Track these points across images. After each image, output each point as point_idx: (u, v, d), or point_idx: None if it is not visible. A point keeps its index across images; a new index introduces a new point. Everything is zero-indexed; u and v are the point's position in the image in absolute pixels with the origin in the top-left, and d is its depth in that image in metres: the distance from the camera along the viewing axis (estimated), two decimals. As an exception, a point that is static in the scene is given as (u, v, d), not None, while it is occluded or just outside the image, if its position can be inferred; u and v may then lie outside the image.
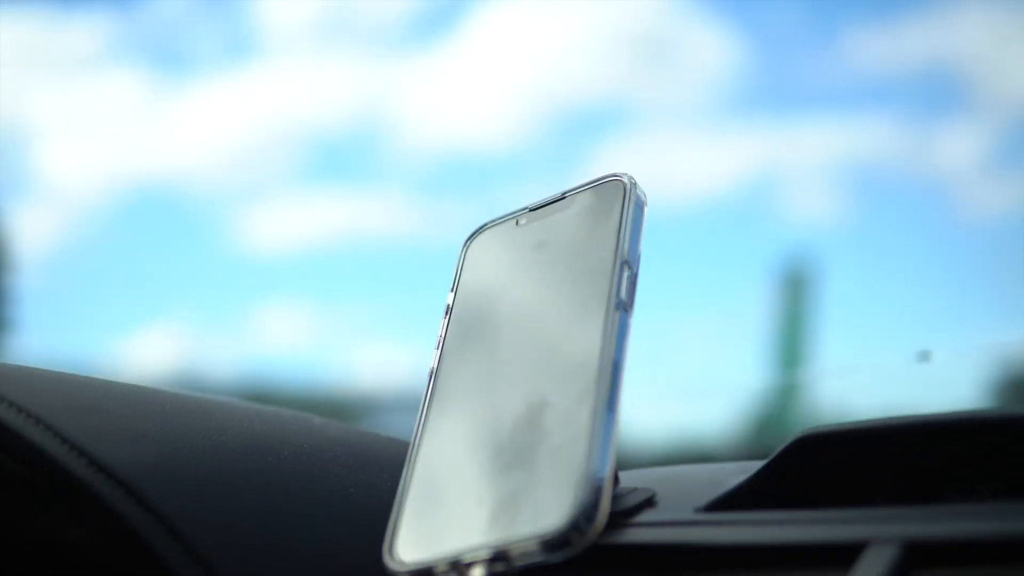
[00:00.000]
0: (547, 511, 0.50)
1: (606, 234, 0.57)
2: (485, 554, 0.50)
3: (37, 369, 0.66)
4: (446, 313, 0.61)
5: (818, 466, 0.55)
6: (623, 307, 0.55)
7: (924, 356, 0.85)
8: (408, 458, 0.57)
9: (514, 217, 0.63)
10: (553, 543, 0.49)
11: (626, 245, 0.56)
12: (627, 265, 0.56)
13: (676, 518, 0.52)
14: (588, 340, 0.54)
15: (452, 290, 0.62)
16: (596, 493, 0.50)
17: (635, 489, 0.56)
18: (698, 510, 0.53)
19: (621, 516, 0.53)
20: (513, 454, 0.53)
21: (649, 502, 0.55)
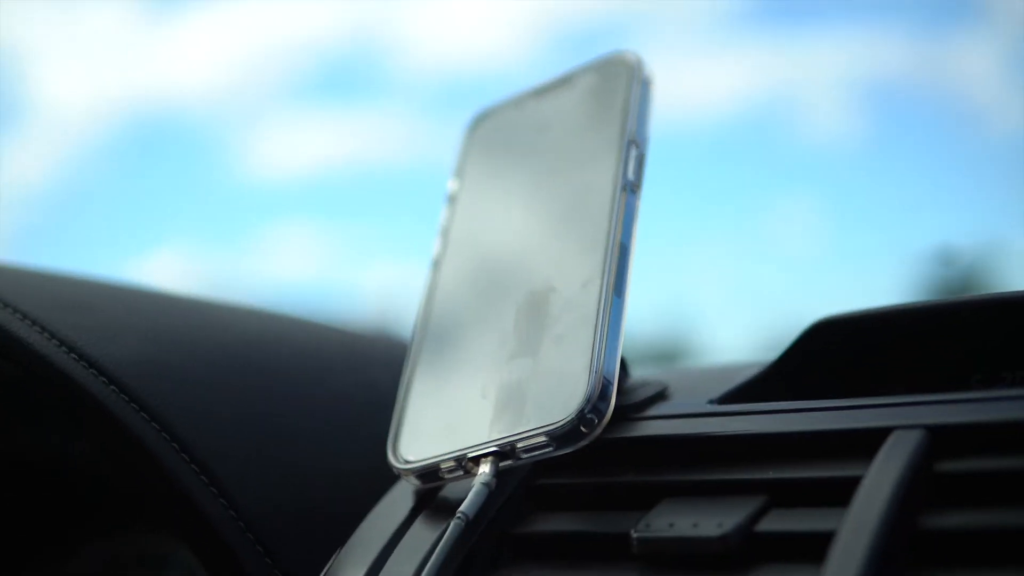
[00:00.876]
0: (554, 403, 0.48)
1: (612, 113, 0.55)
2: (491, 449, 0.49)
3: (25, 268, 0.64)
4: (448, 200, 0.59)
5: (836, 355, 0.54)
6: (631, 188, 0.53)
7: (949, 258, 0.83)
8: (409, 353, 0.55)
9: (516, 100, 0.60)
10: (561, 436, 0.47)
11: (633, 124, 0.54)
12: (635, 144, 0.54)
13: (688, 410, 0.50)
14: (595, 223, 0.52)
15: (454, 176, 0.60)
16: (604, 383, 0.48)
17: (645, 383, 0.54)
18: (711, 402, 0.51)
19: (631, 409, 0.51)
20: (518, 344, 0.51)
21: (661, 395, 0.53)
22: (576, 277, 0.51)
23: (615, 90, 0.55)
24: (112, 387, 0.53)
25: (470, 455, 0.49)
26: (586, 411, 0.47)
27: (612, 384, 0.48)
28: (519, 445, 0.48)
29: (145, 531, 0.74)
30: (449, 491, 0.52)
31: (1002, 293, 0.51)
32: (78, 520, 0.75)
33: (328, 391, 0.61)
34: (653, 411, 0.51)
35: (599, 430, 0.48)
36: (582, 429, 0.47)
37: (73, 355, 0.54)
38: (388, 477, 0.54)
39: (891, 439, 0.43)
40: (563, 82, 0.58)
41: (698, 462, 0.48)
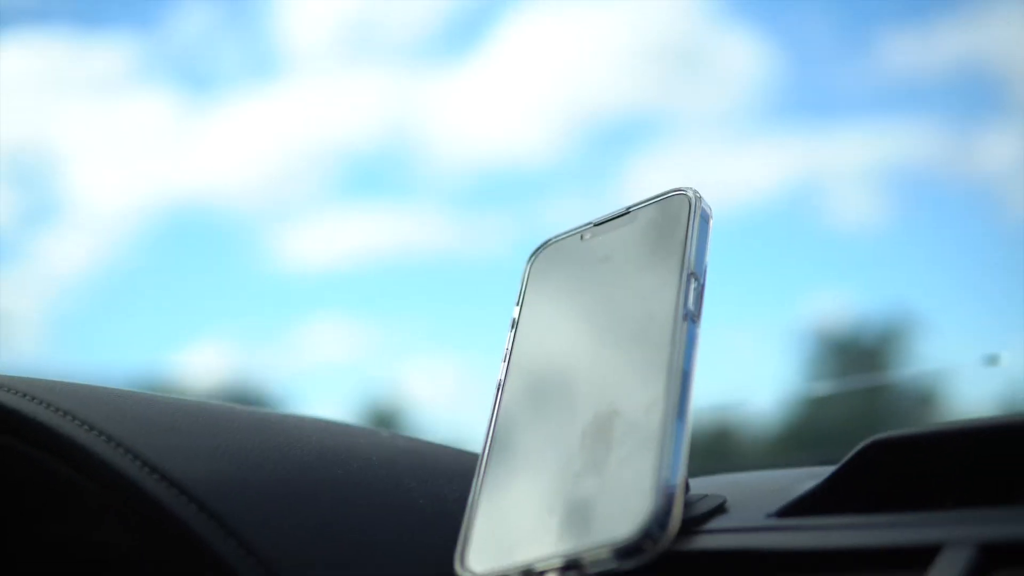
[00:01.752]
0: (619, 519, 0.50)
1: (672, 247, 0.57)
2: (558, 563, 0.50)
3: (106, 388, 0.67)
4: (512, 326, 0.62)
5: (889, 471, 0.55)
6: (691, 317, 0.55)
7: (993, 360, 0.85)
8: (478, 469, 0.57)
9: (579, 232, 0.63)
10: (626, 551, 0.49)
11: (692, 256, 0.57)
12: (694, 276, 0.56)
13: (748, 524, 0.52)
14: (657, 350, 0.54)
15: (518, 303, 0.63)
16: (669, 500, 0.50)
17: (705, 496, 0.56)
18: (769, 516, 0.53)
19: (692, 523, 0.53)
20: (583, 463, 0.53)
21: (720, 508, 0.55)
22: (640, 401, 0.53)
23: (675, 224, 0.58)
24: (192, 505, 0.56)
25: (537, 568, 0.51)
26: (651, 527, 0.49)
27: (676, 501, 0.50)
28: (585, 559, 0.50)
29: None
30: (516, 603, 0.53)
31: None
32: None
33: (398, 503, 0.63)
34: (714, 524, 0.53)
35: (664, 546, 0.49)
36: (647, 545, 0.49)
37: (156, 475, 0.56)
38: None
39: (944, 554, 0.45)
40: (623, 215, 0.61)
41: (758, 575, 0.49)
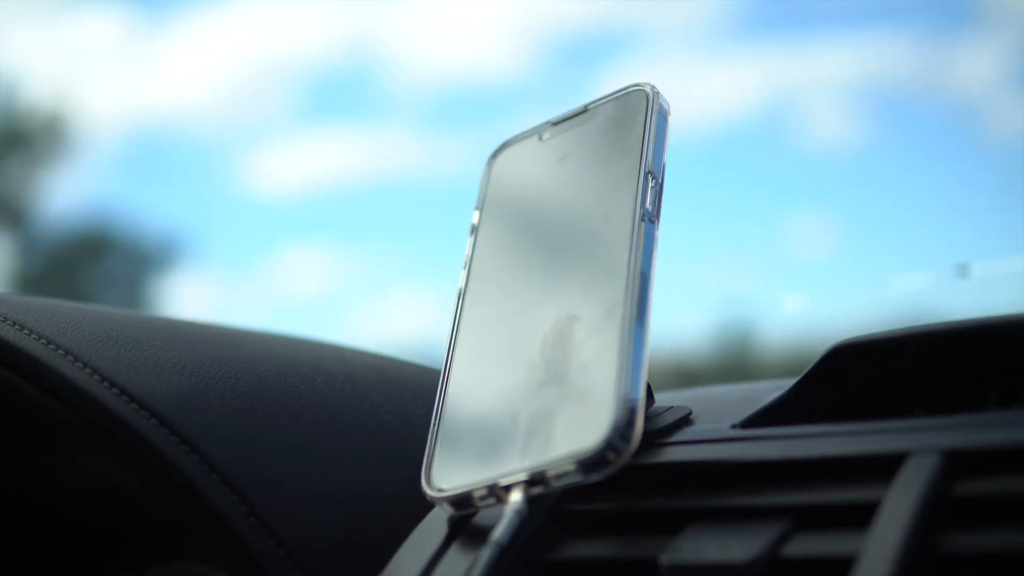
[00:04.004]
0: (582, 430, 0.49)
1: (630, 144, 0.56)
2: (523, 477, 0.50)
3: (62, 302, 0.66)
4: (472, 232, 0.61)
5: (855, 377, 0.55)
6: (649, 217, 0.54)
7: (963, 270, 0.84)
8: (440, 383, 0.56)
9: (536, 132, 0.62)
10: (590, 463, 0.49)
11: (650, 155, 0.56)
12: (652, 175, 0.55)
13: (712, 435, 0.52)
14: (615, 252, 0.53)
15: (477, 208, 0.62)
16: (630, 411, 0.49)
17: (670, 407, 0.55)
18: (735, 426, 0.53)
19: (657, 435, 0.53)
20: (544, 372, 0.53)
21: (685, 420, 0.54)
22: (599, 306, 0.52)
23: (633, 122, 0.57)
24: (153, 420, 0.55)
25: (502, 483, 0.51)
26: (614, 439, 0.48)
27: (638, 412, 0.49)
28: (549, 472, 0.50)
29: (184, 560, 0.75)
30: (482, 517, 0.53)
31: (1019, 315, 0.52)
32: (116, 550, 0.77)
33: (363, 418, 0.63)
34: (678, 436, 0.53)
35: (626, 457, 0.49)
36: (610, 457, 0.48)
37: (114, 389, 0.56)
38: (422, 503, 0.55)
39: (909, 462, 0.44)
40: (582, 113, 0.60)
41: (723, 487, 0.49)
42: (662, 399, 0.57)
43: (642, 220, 0.54)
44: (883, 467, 0.45)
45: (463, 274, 0.59)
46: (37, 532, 0.78)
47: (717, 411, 0.55)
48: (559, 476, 0.49)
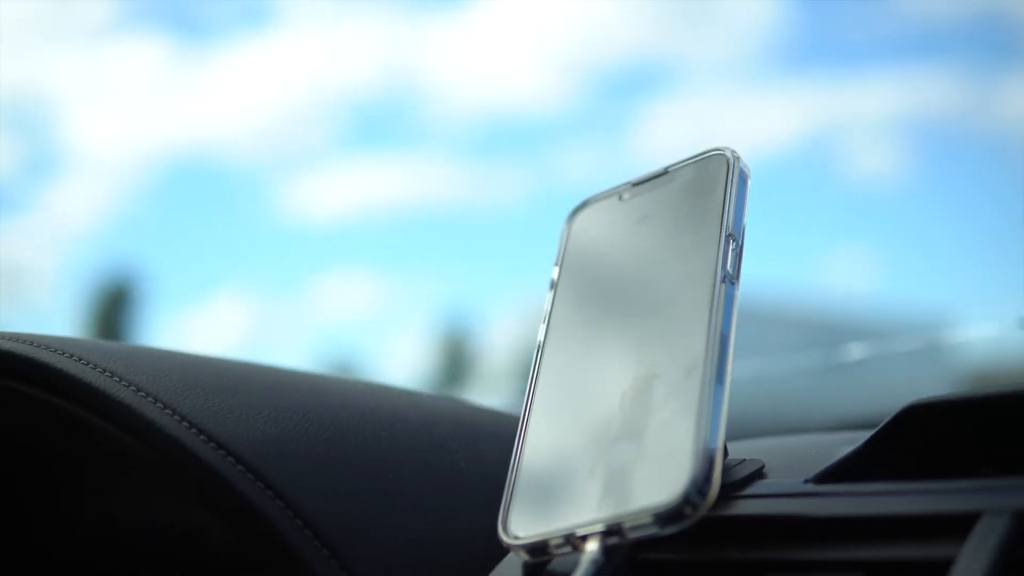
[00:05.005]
0: (659, 484, 0.51)
1: (710, 207, 0.58)
2: (599, 528, 0.51)
3: (151, 348, 0.68)
4: (551, 287, 0.62)
5: (927, 437, 0.56)
6: (730, 279, 0.55)
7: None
8: (519, 432, 0.58)
9: (617, 192, 0.64)
10: (667, 517, 0.50)
11: (731, 218, 0.57)
12: (732, 238, 0.56)
13: (786, 490, 0.53)
14: (696, 313, 0.55)
15: (557, 264, 0.63)
16: (709, 466, 0.50)
17: (744, 460, 0.57)
18: (808, 481, 0.54)
19: (731, 488, 0.54)
20: (623, 427, 0.54)
21: (759, 473, 0.56)
22: (679, 364, 0.54)
23: (713, 184, 0.58)
24: (239, 467, 0.57)
25: (579, 533, 0.52)
26: (691, 493, 0.49)
27: (716, 466, 0.51)
28: (626, 525, 0.51)
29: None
30: (557, 564, 0.54)
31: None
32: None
33: (440, 465, 0.64)
34: (752, 490, 0.54)
35: (703, 512, 0.50)
36: (687, 511, 0.50)
37: (203, 437, 0.57)
38: (497, 550, 0.56)
39: (982, 522, 0.45)
40: (662, 175, 0.62)
41: (798, 541, 0.50)
42: (733, 448, 0.58)
43: (723, 282, 0.55)
44: (956, 526, 0.46)
45: (542, 328, 0.61)
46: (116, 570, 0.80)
47: (790, 464, 0.56)
48: (636, 528, 0.51)
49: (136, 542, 0.77)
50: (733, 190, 0.58)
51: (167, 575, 0.77)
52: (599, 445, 0.54)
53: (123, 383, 0.60)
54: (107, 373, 0.60)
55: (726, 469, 0.55)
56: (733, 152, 0.59)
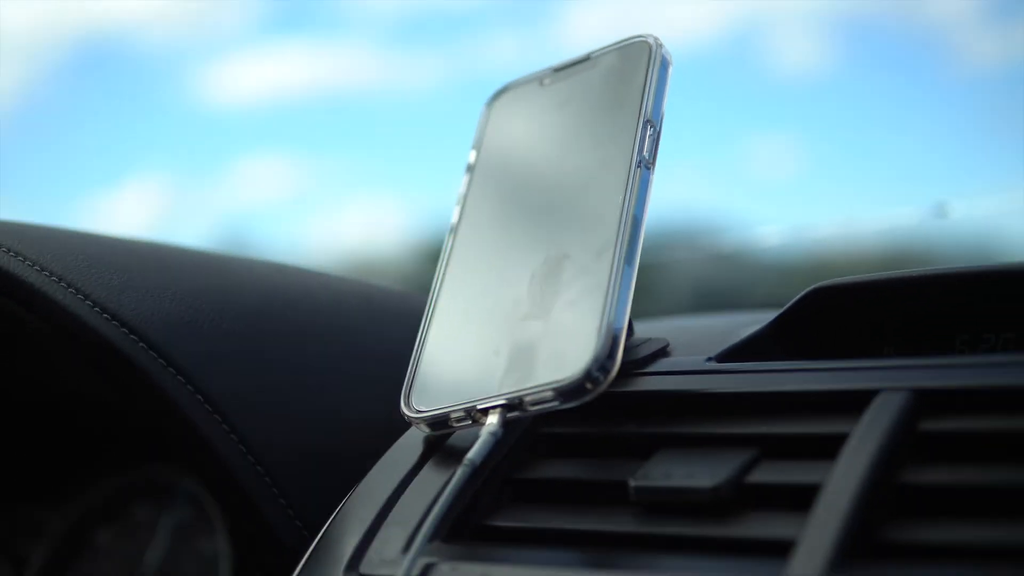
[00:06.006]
0: (563, 361, 0.50)
1: (630, 94, 0.57)
2: (500, 402, 0.51)
3: (54, 228, 0.67)
4: (468, 170, 0.62)
5: (831, 318, 0.56)
6: (645, 164, 0.55)
7: (941, 211, 0.85)
8: (426, 311, 0.58)
9: (538, 78, 0.63)
10: (568, 392, 0.50)
11: (650, 104, 0.56)
12: (650, 124, 0.56)
13: (687, 367, 0.53)
14: (610, 196, 0.54)
15: (474, 148, 0.63)
16: (613, 343, 0.50)
17: (648, 339, 0.56)
18: (710, 359, 0.54)
19: (633, 365, 0.54)
20: (531, 306, 0.54)
21: (662, 352, 0.56)
22: (590, 246, 0.53)
23: (634, 71, 0.58)
24: (142, 344, 0.56)
25: (479, 406, 0.52)
26: (593, 369, 0.50)
27: (619, 345, 0.51)
28: (527, 399, 0.51)
29: (154, 463, 0.77)
30: (457, 439, 0.54)
31: (989, 264, 0.54)
32: (94, 454, 0.79)
33: (347, 344, 0.64)
34: (654, 367, 0.54)
35: (603, 388, 0.50)
36: (587, 386, 0.50)
37: (106, 315, 0.57)
38: (399, 426, 0.56)
39: (878, 399, 0.45)
40: (584, 61, 0.61)
41: (694, 416, 0.50)
42: (642, 328, 0.58)
43: (639, 166, 0.55)
44: (853, 403, 0.46)
45: (456, 210, 0.60)
46: (27, 436, 0.80)
47: (695, 343, 0.57)
48: (536, 403, 0.51)
49: (45, 407, 0.77)
50: (654, 77, 0.57)
51: (73, 434, 0.77)
52: (506, 324, 0.54)
53: (27, 263, 0.59)
54: (11, 253, 0.59)
55: (630, 347, 0.55)
56: (656, 39, 0.59)
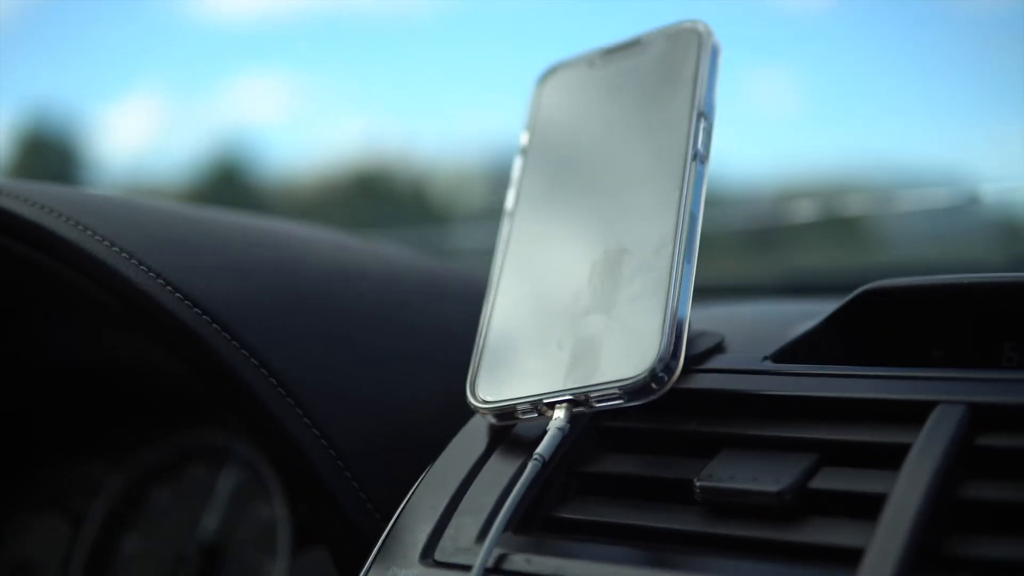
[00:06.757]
0: (628, 359, 0.52)
1: (682, 83, 0.58)
2: (567, 397, 0.53)
3: (119, 198, 0.67)
4: (521, 153, 0.63)
5: (881, 318, 0.58)
6: (700, 158, 0.56)
7: (974, 198, 0.87)
8: (487, 299, 0.59)
9: (587, 59, 0.64)
10: (633, 390, 0.52)
11: (702, 95, 0.57)
12: (703, 116, 0.57)
13: (746, 366, 0.55)
14: (666, 190, 0.56)
15: (527, 129, 0.64)
16: (677, 344, 0.52)
17: (704, 333, 0.58)
18: (766, 358, 0.56)
19: (692, 362, 0.56)
20: (592, 300, 0.55)
21: (719, 347, 0.57)
22: (649, 241, 0.55)
23: (684, 59, 0.59)
24: (214, 325, 0.58)
25: (546, 400, 0.54)
26: (658, 369, 0.51)
27: (683, 344, 0.52)
28: (592, 395, 0.53)
29: (207, 426, 0.79)
30: (522, 428, 0.56)
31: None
32: (150, 416, 0.81)
33: (405, 323, 0.65)
34: (712, 363, 0.56)
35: (668, 387, 0.52)
36: (653, 385, 0.52)
37: (178, 295, 0.58)
38: (461, 409, 0.58)
39: (936, 412, 0.47)
40: (634, 45, 0.62)
41: (753, 417, 0.52)
42: (693, 316, 0.59)
43: (693, 160, 0.56)
44: (911, 414, 0.48)
45: (511, 194, 0.62)
46: (85, 396, 0.82)
47: (748, 338, 0.58)
48: (602, 399, 0.53)
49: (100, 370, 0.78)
50: (706, 67, 0.58)
51: (124, 399, 0.79)
52: (569, 316, 0.56)
53: (97, 237, 0.60)
54: (80, 226, 0.60)
55: (687, 342, 0.56)
56: (705, 26, 0.59)
